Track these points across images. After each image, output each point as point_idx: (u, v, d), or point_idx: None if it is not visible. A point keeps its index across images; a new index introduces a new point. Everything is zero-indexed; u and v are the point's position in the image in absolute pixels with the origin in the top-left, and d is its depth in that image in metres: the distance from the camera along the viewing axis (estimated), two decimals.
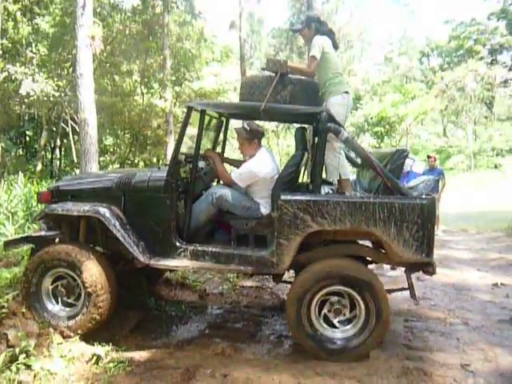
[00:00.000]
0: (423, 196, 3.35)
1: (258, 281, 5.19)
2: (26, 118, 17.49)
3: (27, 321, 3.49)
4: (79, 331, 3.48)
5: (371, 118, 25.38)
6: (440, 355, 3.41)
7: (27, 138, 19.37)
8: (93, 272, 3.44)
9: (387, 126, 25.32)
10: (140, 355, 3.41)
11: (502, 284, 5.36)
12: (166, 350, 3.51)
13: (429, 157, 10.08)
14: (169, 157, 14.49)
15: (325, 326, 3.38)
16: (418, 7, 52.86)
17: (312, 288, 3.29)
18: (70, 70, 15.33)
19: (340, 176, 3.81)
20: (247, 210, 3.66)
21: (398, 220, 3.17)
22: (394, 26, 51.84)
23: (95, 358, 3.27)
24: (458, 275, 5.94)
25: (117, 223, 3.51)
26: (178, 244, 3.53)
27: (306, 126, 4.33)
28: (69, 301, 3.62)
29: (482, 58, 29.76)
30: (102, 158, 16.48)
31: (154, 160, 18.54)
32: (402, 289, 3.68)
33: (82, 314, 3.49)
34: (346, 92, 3.80)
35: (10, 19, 14.68)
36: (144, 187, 3.65)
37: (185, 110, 3.65)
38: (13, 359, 3.03)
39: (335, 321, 3.37)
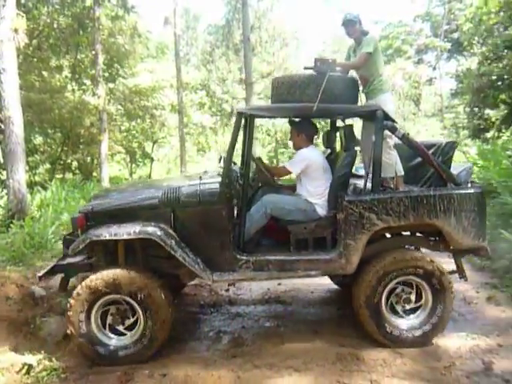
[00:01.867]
0: (470, 184, 3.56)
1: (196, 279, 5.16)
2: None
3: None
4: (140, 359, 3.30)
5: None
6: (371, 340, 3.57)
7: None
8: (156, 296, 3.26)
9: (323, 123, 25.96)
10: (74, 361, 3.32)
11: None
12: None
13: None
14: (103, 156, 14.07)
15: (394, 315, 3.51)
16: (350, 7, 54.70)
17: (384, 279, 3.39)
18: None
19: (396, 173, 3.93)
20: (304, 213, 3.60)
21: (457, 210, 3.36)
22: (328, 24, 53.29)
23: (26, 367, 3.14)
24: None
25: (173, 243, 3.27)
26: (238, 256, 3.40)
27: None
28: (121, 329, 3.37)
29: (409, 58, 31.27)
30: (30, 159, 15.60)
31: (88, 160, 17.87)
32: (453, 271, 3.79)
33: (144, 341, 3.30)
34: (390, 89, 4.05)
35: None
36: (195, 201, 3.42)
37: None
38: None
39: (403, 310, 3.52)
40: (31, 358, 3.23)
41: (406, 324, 3.50)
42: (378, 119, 3.40)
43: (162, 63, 20.36)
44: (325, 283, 4.76)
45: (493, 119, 11.22)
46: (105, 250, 3.52)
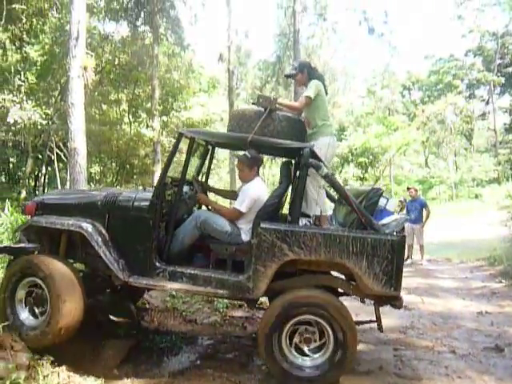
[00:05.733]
0: (394, 233, 3.42)
1: (248, 311, 5.20)
2: (10, 145, 17.42)
3: (17, 353, 3.43)
4: (37, 343, 3.44)
5: (355, 149, 25.89)
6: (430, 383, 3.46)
7: (10, 166, 19.22)
8: (58, 281, 3.44)
9: (371, 157, 25.82)
10: None
11: (486, 312, 5.46)
12: (158, 381, 3.48)
13: (408, 189, 10.33)
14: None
15: (295, 354, 3.39)
16: (399, 43, 54.85)
17: (283, 317, 3.33)
18: (58, 98, 15.45)
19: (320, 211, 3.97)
20: (229, 236, 3.73)
21: (369, 254, 3.26)
22: (377, 60, 53.58)
23: None
24: (443, 304, 6.03)
25: (99, 239, 3.58)
26: (157, 264, 3.59)
27: (292, 160, 4.38)
28: (37, 311, 3.61)
29: (460, 92, 30.82)
30: (87, 187, 16.43)
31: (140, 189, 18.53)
32: (371, 321, 3.76)
33: (43, 325, 3.46)
34: (334, 135, 4.15)
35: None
36: (129, 207, 3.74)
37: (173, 140, 3.78)
38: None
39: (305, 349, 3.39)
40: (91, 381, 3.33)
41: (304, 363, 3.37)
42: (304, 156, 3.49)
43: (212, 97, 21.07)
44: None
45: None
46: (50, 239, 3.85)
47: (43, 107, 14.03)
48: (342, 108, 27.36)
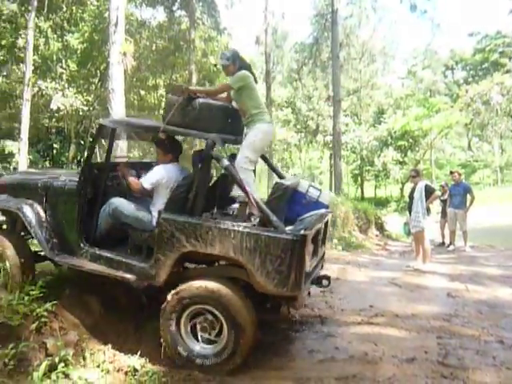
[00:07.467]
0: (297, 232, 3.31)
1: None
2: (54, 131, 18.00)
3: (65, 330, 3.57)
4: None
5: (394, 132, 25.24)
6: (477, 374, 3.35)
7: (54, 151, 19.87)
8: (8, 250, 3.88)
9: (411, 140, 25.12)
10: (174, 366, 3.44)
11: None
12: None
13: (451, 172, 10.03)
14: None
15: (193, 340, 3.45)
16: (442, 21, 52.70)
17: (179, 305, 3.37)
18: (99, 84, 15.77)
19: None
20: (139, 222, 3.81)
21: (262, 251, 3.20)
22: (418, 39, 51.77)
23: (131, 369, 3.31)
24: (489, 292, 5.82)
25: (33, 220, 3.89)
26: (81, 245, 3.85)
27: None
28: None
29: (508, 71, 29.39)
30: None
31: None
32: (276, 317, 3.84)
33: None
34: (270, 122, 4.12)
35: (42, 36, 15.23)
36: (61, 190, 4.01)
37: None
38: (52, 368, 3.08)
39: (202, 337, 3.44)
40: (135, 361, 3.41)
41: (201, 350, 3.40)
42: (206, 146, 3.54)
43: None
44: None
45: None
46: (11, 217, 4.25)
47: (84, 94, 14.39)
48: (380, 90, 26.66)
